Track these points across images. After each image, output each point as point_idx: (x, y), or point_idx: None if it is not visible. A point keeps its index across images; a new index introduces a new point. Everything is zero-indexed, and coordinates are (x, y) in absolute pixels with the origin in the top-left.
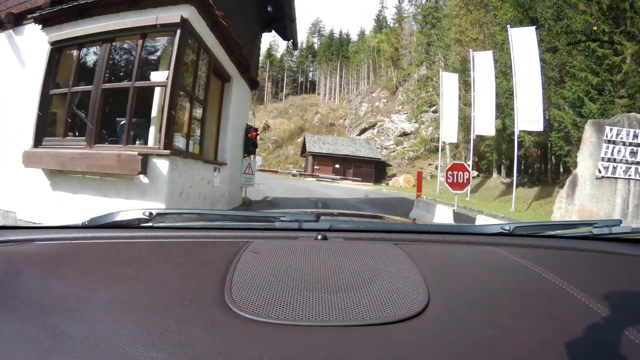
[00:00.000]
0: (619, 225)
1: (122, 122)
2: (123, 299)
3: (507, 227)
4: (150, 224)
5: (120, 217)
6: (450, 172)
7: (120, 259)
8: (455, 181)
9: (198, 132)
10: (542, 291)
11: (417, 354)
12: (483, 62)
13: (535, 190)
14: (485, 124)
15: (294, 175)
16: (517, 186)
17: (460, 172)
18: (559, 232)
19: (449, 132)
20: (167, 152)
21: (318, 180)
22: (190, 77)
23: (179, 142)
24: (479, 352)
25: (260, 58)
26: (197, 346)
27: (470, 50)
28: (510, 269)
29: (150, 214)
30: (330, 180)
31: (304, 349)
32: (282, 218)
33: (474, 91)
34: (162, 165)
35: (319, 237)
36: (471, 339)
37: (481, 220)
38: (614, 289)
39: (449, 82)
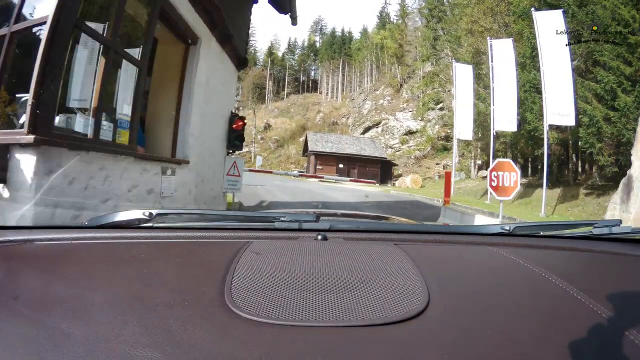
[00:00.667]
0: (619, 225)
1: (23, 99)
2: (123, 299)
3: (507, 227)
4: (150, 224)
5: (121, 217)
6: (494, 173)
7: (120, 259)
8: (500, 184)
9: (128, 109)
10: (543, 291)
11: (417, 354)
12: (502, 51)
13: (557, 192)
14: (505, 119)
15: (295, 176)
16: (538, 187)
17: (507, 173)
18: (559, 232)
19: (463, 128)
20: (31, 138)
21: (321, 181)
22: (111, 18)
23: (77, 122)
24: (479, 353)
25: (261, 56)
26: (197, 346)
27: (489, 38)
28: (511, 269)
29: (150, 214)
30: (334, 181)
31: (303, 349)
32: (282, 218)
33: (492, 83)
34: (25, 163)
35: (319, 237)
36: (471, 339)
37: None
38: (614, 289)
39: (463, 74)
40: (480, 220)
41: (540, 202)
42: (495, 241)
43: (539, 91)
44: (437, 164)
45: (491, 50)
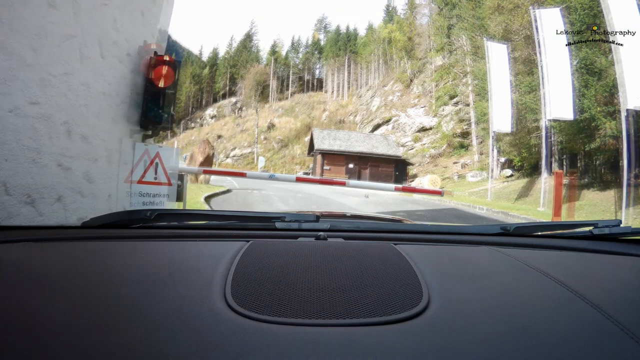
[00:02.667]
0: (619, 225)
1: None
2: (123, 299)
3: (507, 227)
4: (150, 224)
5: (121, 217)
6: None
7: (120, 258)
8: None
9: None
10: (542, 291)
11: (417, 355)
12: (549, 23)
13: (611, 195)
14: (560, 105)
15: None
16: (584, 188)
17: None
18: (559, 232)
19: (500, 119)
20: None
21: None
22: None
23: None
24: (479, 353)
25: (264, 55)
26: (198, 345)
27: (531, 7)
28: (511, 269)
29: (151, 213)
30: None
31: (303, 348)
32: (282, 218)
33: (541, 62)
34: None
35: (319, 237)
36: (471, 339)
37: None
38: (614, 289)
39: (497, 54)
40: None
41: (595, 207)
42: (496, 241)
43: (592, 73)
44: (454, 162)
45: (536, 22)
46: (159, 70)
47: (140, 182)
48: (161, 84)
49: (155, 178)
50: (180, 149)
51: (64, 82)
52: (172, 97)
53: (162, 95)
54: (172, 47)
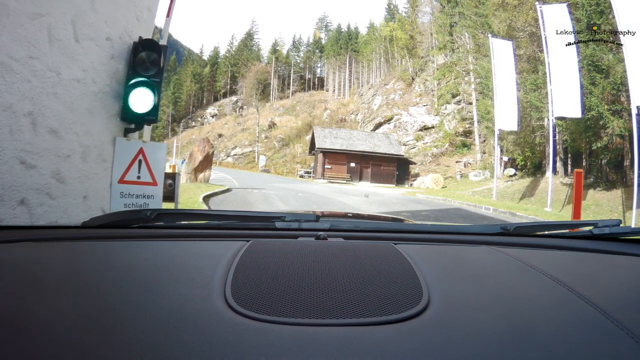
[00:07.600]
0: (619, 225)
1: None
2: (123, 298)
3: (507, 227)
4: (150, 224)
5: (121, 217)
6: None
7: (120, 258)
8: None
9: None
10: (542, 291)
11: (417, 355)
12: (556, 18)
13: (617, 195)
14: (566, 103)
15: (301, 176)
16: (590, 188)
17: None
18: (559, 232)
19: (505, 117)
20: None
21: (330, 182)
22: None
23: None
24: (479, 353)
25: (265, 53)
26: (197, 346)
27: (537, 2)
28: (511, 268)
29: (151, 213)
30: (345, 182)
31: (302, 348)
32: (282, 218)
33: (547, 57)
34: None
35: (319, 237)
36: (471, 339)
37: None
38: (614, 289)
39: (502, 51)
40: None
41: (599, 206)
42: (496, 241)
43: (599, 70)
44: (457, 161)
45: (542, 17)
46: (142, 56)
47: (121, 181)
48: (145, 71)
49: (139, 177)
50: (166, 144)
51: (28, 66)
52: (155, 86)
53: (141, 84)
54: (173, 45)
